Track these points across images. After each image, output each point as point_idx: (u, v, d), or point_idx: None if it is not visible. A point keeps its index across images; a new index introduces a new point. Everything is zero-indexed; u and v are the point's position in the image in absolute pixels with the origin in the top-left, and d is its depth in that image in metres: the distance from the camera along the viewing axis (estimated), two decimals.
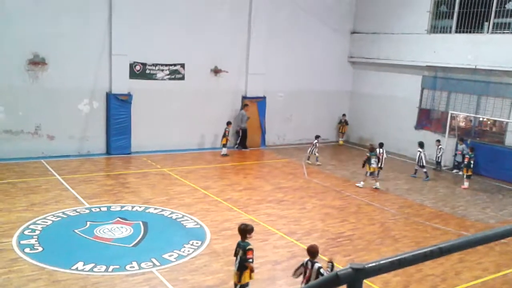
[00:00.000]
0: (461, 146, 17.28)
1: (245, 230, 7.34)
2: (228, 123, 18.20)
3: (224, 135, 17.99)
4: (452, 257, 9.67)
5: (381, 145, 16.04)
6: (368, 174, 14.91)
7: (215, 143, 19.03)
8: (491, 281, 9.06)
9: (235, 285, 7.38)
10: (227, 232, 10.61)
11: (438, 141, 17.67)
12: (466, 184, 15.62)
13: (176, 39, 17.65)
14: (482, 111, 17.77)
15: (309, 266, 6.92)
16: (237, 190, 13.89)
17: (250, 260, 7.17)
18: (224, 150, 18.02)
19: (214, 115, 18.75)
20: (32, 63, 15.30)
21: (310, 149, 17.70)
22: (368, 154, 15.11)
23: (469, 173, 15.71)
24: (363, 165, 15.14)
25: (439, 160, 17.58)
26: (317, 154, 17.53)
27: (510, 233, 2.24)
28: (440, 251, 1.91)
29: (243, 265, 7.19)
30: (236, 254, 7.37)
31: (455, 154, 17.73)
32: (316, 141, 17.57)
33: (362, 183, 14.92)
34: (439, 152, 17.60)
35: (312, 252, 7.03)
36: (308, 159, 17.71)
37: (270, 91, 20.13)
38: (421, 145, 16.58)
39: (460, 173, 16.80)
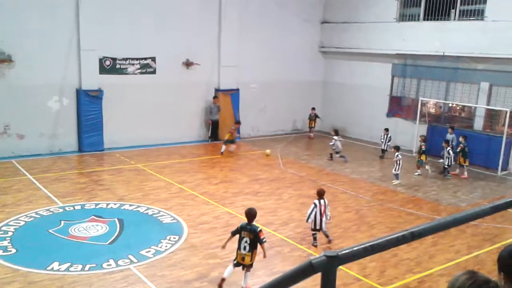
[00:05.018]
0: (451, 136, 16.25)
1: (253, 214, 7.96)
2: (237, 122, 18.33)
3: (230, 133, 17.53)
4: (426, 241, 9.89)
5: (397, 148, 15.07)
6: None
7: (189, 137, 18.96)
8: (463, 263, 9.31)
9: (240, 264, 7.89)
10: (205, 226, 10.60)
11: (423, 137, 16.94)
12: (465, 173, 15.53)
13: (146, 33, 17.41)
14: (451, 97, 18.15)
15: None
16: (213, 184, 13.87)
17: (264, 240, 7.92)
18: (224, 148, 17.27)
19: (187, 108, 18.62)
20: None
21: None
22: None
23: (466, 163, 15.54)
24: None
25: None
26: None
27: (478, 215, 2.31)
28: (412, 236, 1.95)
29: (255, 246, 7.77)
30: (238, 235, 7.84)
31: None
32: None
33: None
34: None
35: None
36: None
37: (243, 83, 20.09)
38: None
39: (441, 161, 16.26)
